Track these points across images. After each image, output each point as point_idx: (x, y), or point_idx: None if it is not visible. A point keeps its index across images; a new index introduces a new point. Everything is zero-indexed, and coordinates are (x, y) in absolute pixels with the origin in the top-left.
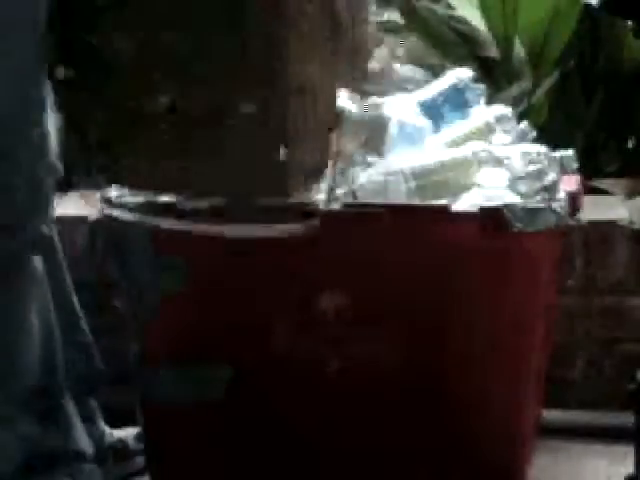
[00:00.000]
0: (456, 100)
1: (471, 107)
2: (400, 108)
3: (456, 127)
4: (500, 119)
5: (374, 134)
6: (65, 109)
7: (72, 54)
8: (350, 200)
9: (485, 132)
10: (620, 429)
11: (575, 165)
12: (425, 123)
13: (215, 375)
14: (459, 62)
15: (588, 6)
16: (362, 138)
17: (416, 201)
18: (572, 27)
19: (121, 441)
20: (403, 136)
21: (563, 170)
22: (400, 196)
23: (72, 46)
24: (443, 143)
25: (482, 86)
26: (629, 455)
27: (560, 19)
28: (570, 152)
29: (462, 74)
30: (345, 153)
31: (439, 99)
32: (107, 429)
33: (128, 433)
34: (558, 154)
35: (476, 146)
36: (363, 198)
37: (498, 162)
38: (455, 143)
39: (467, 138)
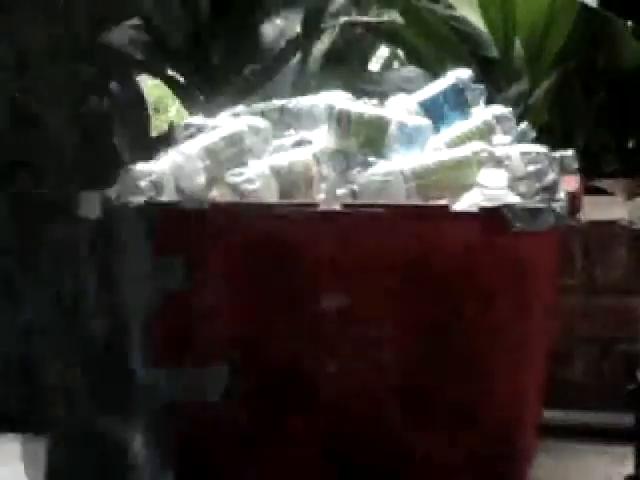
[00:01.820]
0: (456, 100)
1: (471, 107)
2: (400, 108)
3: (456, 127)
4: (500, 119)
5: (374, 134)
6: None
7: None
8: (350, 200)
9: (485, 132)
10: (620, 429)
11: (575, 165)
12: (425, 123)
13: (214, 375)
14: (459, 62)
15: (588, 6)
16: (362, 138)
17: (416, 201)
18: (570, 26)
19: None
20: (403, 136)
21: (563, 170)
22: (400, 196)
23: None
24: (443, 143)
25: (482, 86)
26: (629, 455)
27: (557, 18)
28: (570, 152)
29: (462, 74)
30: (345, 153)
31: (439, 99)
32: None
33: None
34: (558, 154)
35: (476, 146)
36: (363, 198)
37: (498, 162)
38: (455, 143)
39: (467, 138)
